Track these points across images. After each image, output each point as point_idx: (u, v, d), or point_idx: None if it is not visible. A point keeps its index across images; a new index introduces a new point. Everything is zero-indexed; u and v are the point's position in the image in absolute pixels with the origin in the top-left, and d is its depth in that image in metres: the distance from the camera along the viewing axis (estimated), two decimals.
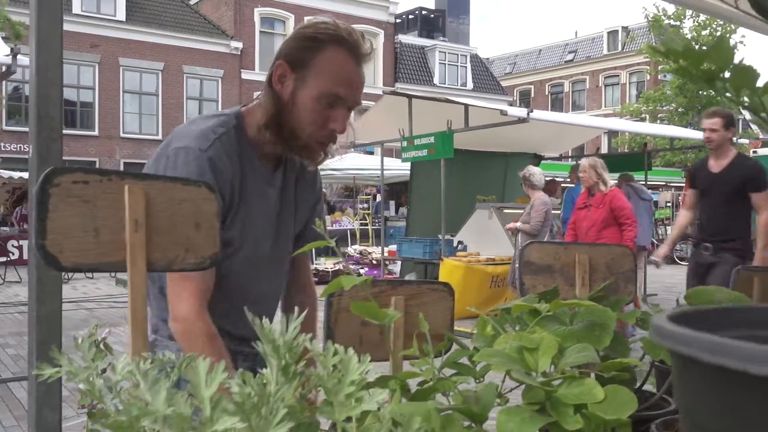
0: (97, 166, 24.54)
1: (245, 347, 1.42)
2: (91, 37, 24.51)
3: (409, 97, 9.25)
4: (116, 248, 0.90)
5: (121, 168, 24.26)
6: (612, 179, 7.13)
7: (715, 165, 5.04)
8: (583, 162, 6.98)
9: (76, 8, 24.25)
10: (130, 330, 0.87)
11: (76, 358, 0.76)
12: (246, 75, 27.59)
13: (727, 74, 0.46)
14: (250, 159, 1.47)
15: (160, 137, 25.92)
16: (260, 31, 28.32)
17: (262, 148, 1.48)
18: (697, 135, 13.74)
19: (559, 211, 9.91)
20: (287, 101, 1.41)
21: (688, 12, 24.67)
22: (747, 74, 0.44)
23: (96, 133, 25.06)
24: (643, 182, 11.35)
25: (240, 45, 27.42)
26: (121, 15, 25.34)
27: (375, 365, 1.17)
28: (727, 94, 0.46)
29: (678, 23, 26.02)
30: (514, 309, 1.22)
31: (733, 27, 23.94)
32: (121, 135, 25.47)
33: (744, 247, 5.06)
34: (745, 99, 0.46)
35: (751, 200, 4.92)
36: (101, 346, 1.76)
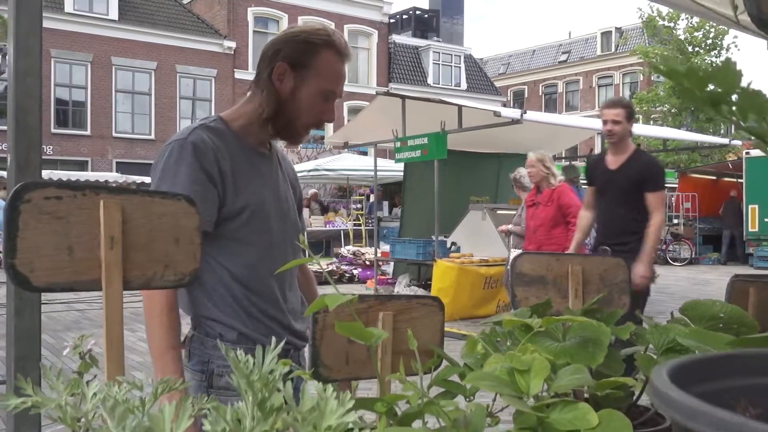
0: (90, 165, 24.41)
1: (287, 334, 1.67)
2: (84, 36, 24.40)
3: (403, 97, 9.23)
4: (91, 266, 0.86)
5: (114, 167, 24.15)
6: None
7: (613, 161, 4.61)
8: (531, 155, 6.36)
9: (68, 7, 24.10)
10: (105, 353, 0.84)
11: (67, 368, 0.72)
12: (239, 74, 27.50)
13: (733, 98, 0.43)
14: (236, 143, 1.65)
15: (152, 137, 25.81)
16: (254, 31, 28.22)
17: (249, 135, 1.69)
18: (690, 136, 13.79)
19: None
20: (287, 96, 1.64)
21: (683, 13, 24.75)
22: (755, 99, 0.41)
23: (88, 132, 24.92)
24: None
25: (233, 44, 27.33)
26: (114, 14, 25.21)
27: (363, 383, 1.14)
28: (734, 118, 0.43)
29: (672, 25, 26.10)
30: (506, 324, 1.19)
31: (725, 29, 24.05)
32: (114, 134, 25.33)
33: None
34: (753, 124, 0.43)
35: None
36: (87, 357, 1.71)
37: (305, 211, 16.76)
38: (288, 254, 1.75)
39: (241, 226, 1.62)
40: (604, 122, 4.62)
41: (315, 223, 15.57)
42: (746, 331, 1.31)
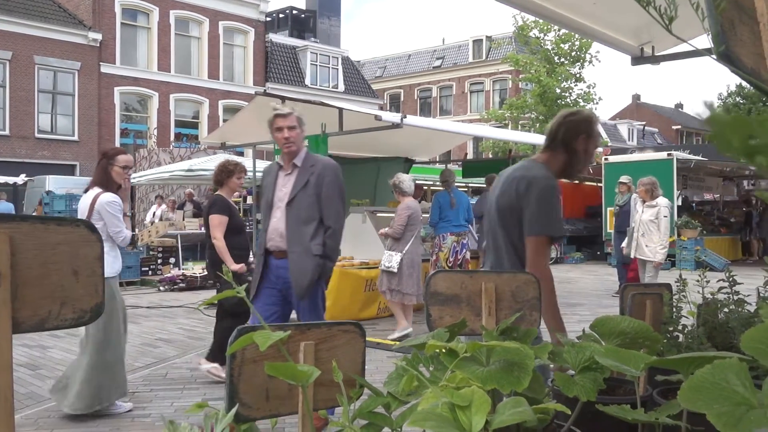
0: None
1: None
2: None
3: (283, 98, 9.07)
4: None
5: None
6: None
7: None
8: None
9: None
10: None
11: None
12: (106, 68, 25.99)
13: None
14: None
15: (7, 132, 23.88)
16: (122, 23, 26.80)
17: None
18: None
19: (427, 215, 10.08)
20: (582, 155, 2.68)
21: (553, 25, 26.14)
22: None
23: None
24: None
25: (99, 36, 25.80)
26: None
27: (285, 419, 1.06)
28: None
29: (542, 35, 27.48)
30: (428, 348, 1.15)
31: (589, 42, 25.66)
32: None
33: None
34: None
35: None
36: None
37: (178, 213, 16.10)
38: None
39: None
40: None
41: (189, 225, 14.98)
42: (651, 345, 1.35)
